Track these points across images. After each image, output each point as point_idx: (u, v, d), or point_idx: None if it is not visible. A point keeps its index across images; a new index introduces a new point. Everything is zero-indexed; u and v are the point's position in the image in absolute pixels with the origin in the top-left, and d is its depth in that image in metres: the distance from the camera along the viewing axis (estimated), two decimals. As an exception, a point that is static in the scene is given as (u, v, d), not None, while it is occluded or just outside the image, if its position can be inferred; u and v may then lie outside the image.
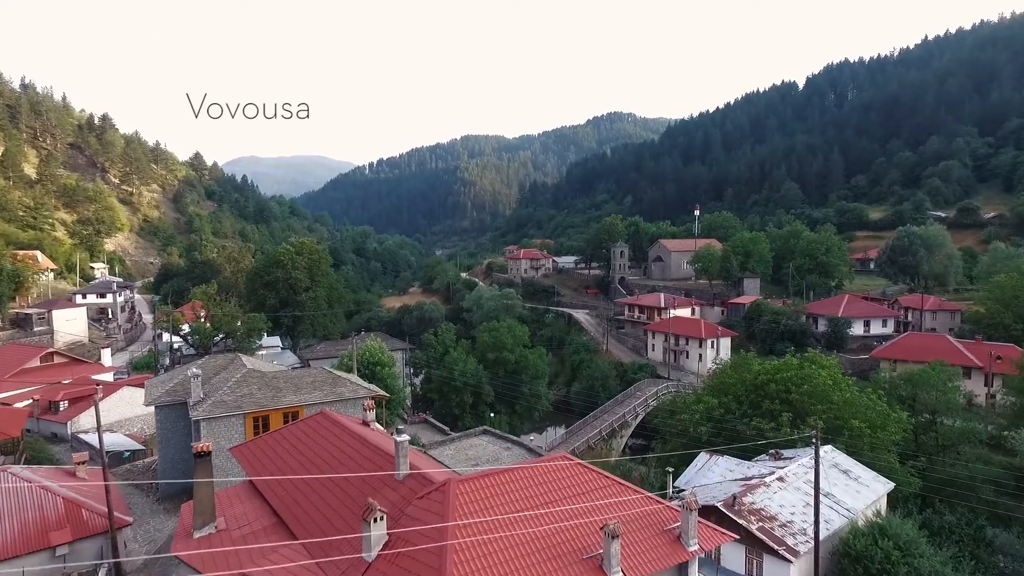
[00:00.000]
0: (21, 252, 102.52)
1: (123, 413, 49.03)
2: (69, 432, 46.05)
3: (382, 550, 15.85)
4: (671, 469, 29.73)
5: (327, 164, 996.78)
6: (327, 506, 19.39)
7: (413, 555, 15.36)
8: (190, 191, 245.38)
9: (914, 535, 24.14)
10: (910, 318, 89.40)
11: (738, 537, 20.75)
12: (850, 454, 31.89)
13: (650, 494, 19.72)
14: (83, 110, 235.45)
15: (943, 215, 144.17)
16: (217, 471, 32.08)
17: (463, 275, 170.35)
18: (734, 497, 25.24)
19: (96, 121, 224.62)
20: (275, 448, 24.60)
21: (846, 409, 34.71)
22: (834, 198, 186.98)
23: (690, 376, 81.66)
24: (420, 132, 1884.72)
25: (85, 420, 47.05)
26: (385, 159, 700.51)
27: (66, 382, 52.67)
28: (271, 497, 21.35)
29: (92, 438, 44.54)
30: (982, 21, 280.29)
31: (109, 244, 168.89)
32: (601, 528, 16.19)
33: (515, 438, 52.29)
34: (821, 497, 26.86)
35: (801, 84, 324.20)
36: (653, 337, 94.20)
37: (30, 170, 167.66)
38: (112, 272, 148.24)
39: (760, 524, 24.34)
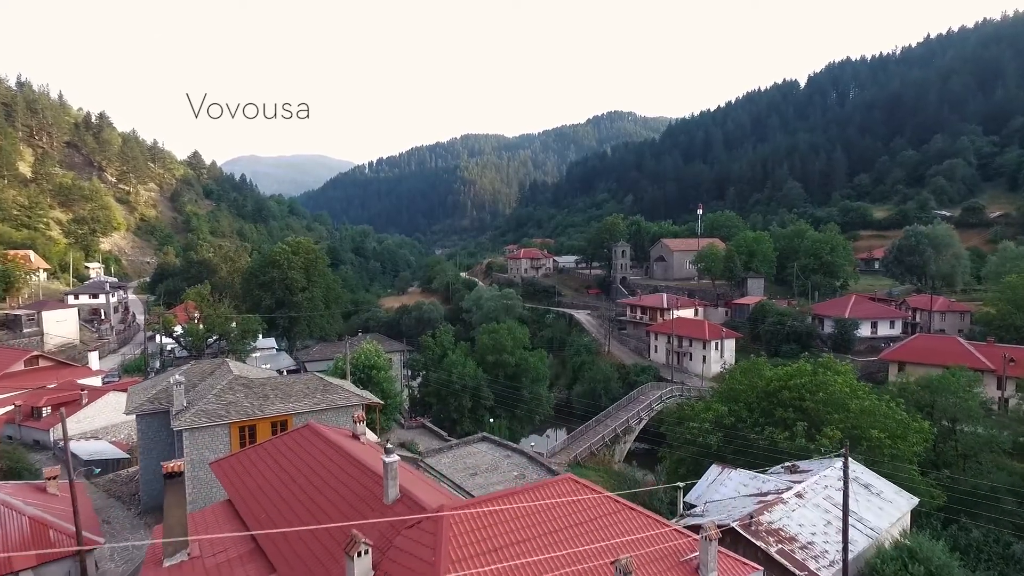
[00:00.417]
0: (12, 252, 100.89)
1: (109, 419, 47.25)
2: (52, 439, 44.28)
3: (366, 589, 14.14)
4: (682, 485, 28.01)
5: (327, 163, 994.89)
6: (309, 533, 17.67)
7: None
8: (188, 190, 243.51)
9: (946, 559, 22.37)
10: (918, 319, 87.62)
11: (761, 569, 18.99)
12: (868, 466, 30.18)
13: (665, 521, 18.00)
14: (80, 108, 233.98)
15: (948, 214, 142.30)
16: (203, 485, 30.49)
17: (463, 275, 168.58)
18: (751, 516, 23.51)
19: (93, 119, 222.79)
20: (257, 464, 22.87)
21: (864, 418, 32.95)
22: (837, 197, 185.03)
23: (694, 379, 79.94)
24: (420, 131, 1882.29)
25: (69, 427, 45.20)
26: (385, 158, 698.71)
27: (51, 386, 50.99)
28: (250, 520, 19.63)
29: (76, 446, 42.85)
30: (985, 19, 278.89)
31: (105, 243, 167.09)
32: (612, 563, 14.49)
33: (515, 445, 50.55)
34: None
35: (803, 82, 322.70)
36: (656, 338, 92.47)
37: (25, 169, 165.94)
38: (108, 272, 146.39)
39: (779, 546, 22.60)
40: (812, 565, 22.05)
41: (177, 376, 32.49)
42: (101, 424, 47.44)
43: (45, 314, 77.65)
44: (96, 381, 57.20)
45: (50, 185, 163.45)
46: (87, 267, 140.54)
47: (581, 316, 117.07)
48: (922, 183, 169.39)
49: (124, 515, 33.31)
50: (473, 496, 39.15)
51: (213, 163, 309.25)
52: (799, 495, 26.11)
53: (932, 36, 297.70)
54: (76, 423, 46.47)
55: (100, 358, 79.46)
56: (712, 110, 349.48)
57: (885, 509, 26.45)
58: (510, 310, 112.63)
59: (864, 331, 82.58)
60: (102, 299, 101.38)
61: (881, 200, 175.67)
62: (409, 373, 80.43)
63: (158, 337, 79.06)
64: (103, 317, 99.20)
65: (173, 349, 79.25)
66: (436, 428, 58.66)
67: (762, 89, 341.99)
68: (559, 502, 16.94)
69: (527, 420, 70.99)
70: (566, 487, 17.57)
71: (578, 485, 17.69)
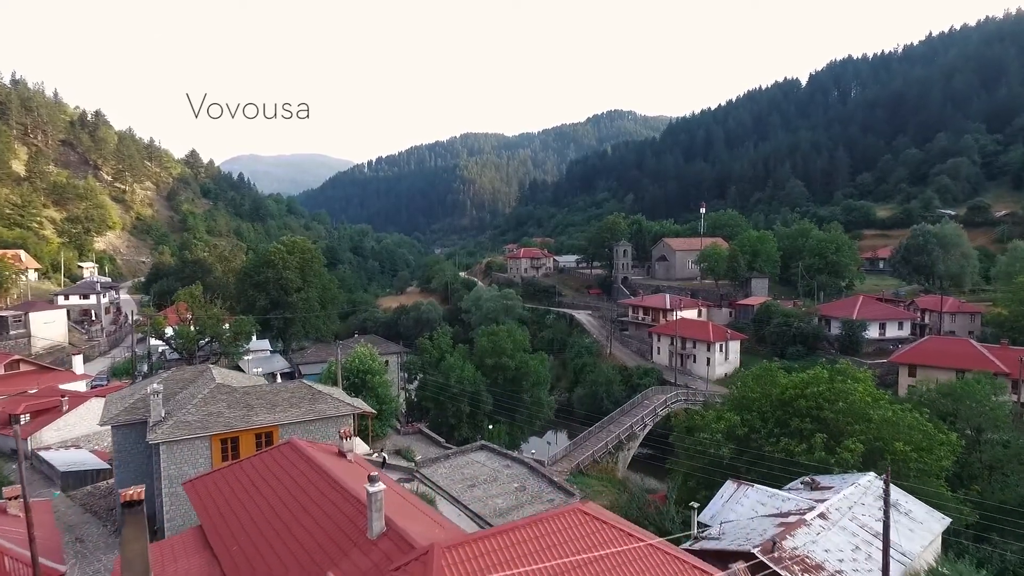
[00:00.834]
0: (2, 251, 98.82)
1: (91, 427, 45.12)
2: (29, 449, 42.24)
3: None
4: (695, 505, 26.00)
5: (326, 162, 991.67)
6: (284, 570, 15.70)
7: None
8: (185, 189, 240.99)
9: (989, 590, 20.43)
10: (927, 321, 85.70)
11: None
12: (893, 481, 28.16)
13: (684, 555, 16.01)
14: (76, 106, 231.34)
15: (953, 213, 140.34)
16: (182, 502, 28.22)
17: (462, 274, 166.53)
18: (773, 542, 21.52)
19: (89, 117, 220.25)
20: (234, 486, 20.86)
21: (887, 429, 30.93)
22: (840, 196, 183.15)
23: (698, 381, 78.02)
24: (419, 130, 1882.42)
25: (48, 435, 43.37)
26: (384, 157, 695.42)
27: (31, 392, 48.95)
28: (221, 552, 17.63)
29: (53, 456, 40.92)
30: (987, 17, 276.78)
31: (100, 243, 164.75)
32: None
33: (515, 455, 48.56)
34: (873, 539, 23.19)
35: (804, 81, 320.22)
36: (659, 340, 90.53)
37: (19, 167, 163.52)
38: (102, 271, 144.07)
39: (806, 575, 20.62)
40: (842, 597, 20.08)
41: (155, 384, 30.47)
42: (83, 432, 45.48)
43: (33, 315, 75.55)
44: (80, 386, 55.21)
45: (44, 183, 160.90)
46: (80, 267, 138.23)
47: (582, 317, 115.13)
48: (925, 182, 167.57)
49: (99, 532, 31.30)
50: (473, 511, 37.20)
51: (211, 162, 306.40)
52: (823, 516, 24.13)
53: (934, 34, 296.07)
54: (56, 431, 44.57)
55: (90, 361, 77.57)
56: (713, 109, 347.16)
57: (916, 531, 24.50)
58: (510, 310, 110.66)
59: (872, 332, 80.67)
60: (93, 300, 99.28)
61: (884, 199, 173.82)
62: (406, 376, 78.36)
63: (149, 339, 76.97)
64: (94, 318, 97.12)
65: (164, 351, 77.13)
66: (433, 434, 56.66)
67: (763, 87, 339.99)
68: (566, 537, 14.95)
69: (527, 425, 68.94)
70: (574, 519, 15.57)
71: (587, 517, 15.69)
